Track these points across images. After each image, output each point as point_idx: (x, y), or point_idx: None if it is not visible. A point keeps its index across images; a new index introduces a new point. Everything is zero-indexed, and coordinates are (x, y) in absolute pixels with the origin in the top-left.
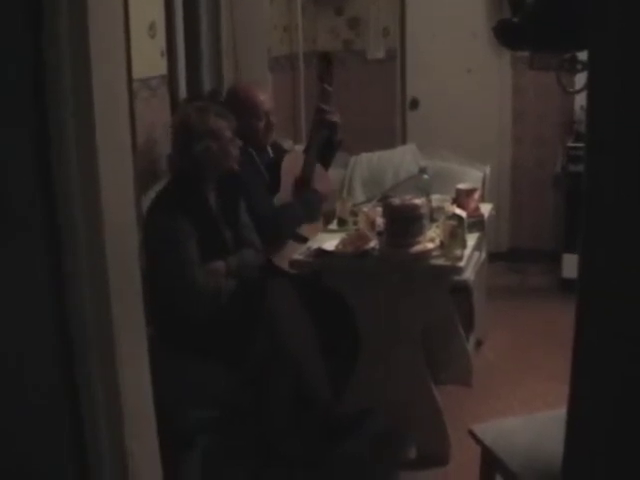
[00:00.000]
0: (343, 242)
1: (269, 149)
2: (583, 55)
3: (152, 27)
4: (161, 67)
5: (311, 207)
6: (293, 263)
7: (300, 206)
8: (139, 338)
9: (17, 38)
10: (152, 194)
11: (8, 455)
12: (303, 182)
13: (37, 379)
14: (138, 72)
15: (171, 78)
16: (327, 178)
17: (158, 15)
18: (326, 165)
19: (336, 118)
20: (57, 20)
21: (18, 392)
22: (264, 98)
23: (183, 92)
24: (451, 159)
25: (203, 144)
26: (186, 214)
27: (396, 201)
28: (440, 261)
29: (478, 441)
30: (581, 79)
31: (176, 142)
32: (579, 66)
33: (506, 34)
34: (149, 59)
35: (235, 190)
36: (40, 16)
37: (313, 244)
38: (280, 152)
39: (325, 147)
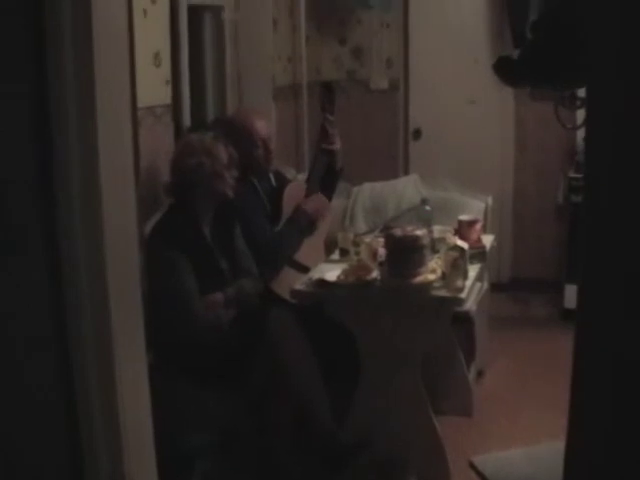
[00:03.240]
0: (345, 272)
1: (271, 178)
2: (582, 92)
3: (157, 56)
4: (166, 96)
5: (299, 227)
6: (295, 293)
7: (292, 229)
8: (139, 362)
9: (21, 68)
10: (153, 221)
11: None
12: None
13: (35, 402)
14: (143, 100)
15: (175, 106)
16: (327, 206)
17: (163, 45)
18: (329, 194)
19: (337, 146)
20: (62, 49)
21: (17, 415)
22: (261, 125)
23: (187, 120)
24: (453, 189)
25: (196, 159)
26: (182, 245)
27: (398, 232)
28: (442, 292)
29: (478, 473)
30: (581, 114)
31: (172, 163)
32: (578, 102)
33: (506, 71)
34: (154, 88)
35: (230, 219)
36: (44, 46)
37: (315, 274)
38: (282, 181)
39: (326, 175)
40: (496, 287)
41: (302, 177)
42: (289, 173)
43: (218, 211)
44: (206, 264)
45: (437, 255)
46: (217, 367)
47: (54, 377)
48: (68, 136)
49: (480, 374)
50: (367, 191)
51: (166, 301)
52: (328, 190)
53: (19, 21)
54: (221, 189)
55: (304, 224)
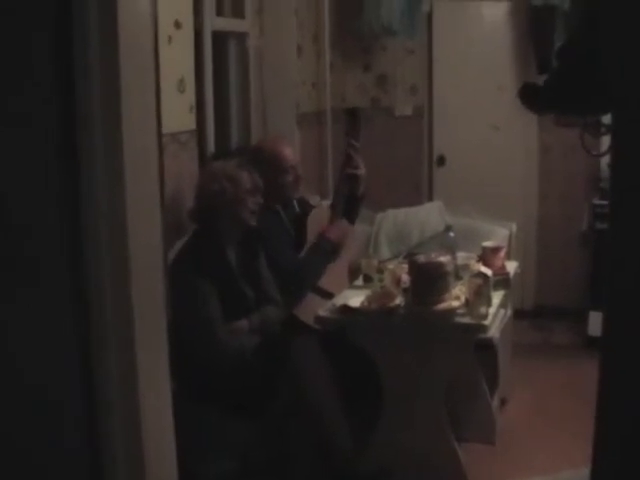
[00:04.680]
0: (368, 299)
1: (295, 204)
2: (607, 118)
3: (182, 82)
4: (190, 122)
5: (323, 254)
6: (318, 319)
7: (314, 255)
8: (164, 391)
9: (49, 95)
10: (178, 247)
11: None
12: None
13: (60, 430)
14: (168, 127)
15: (200, 133)
16: (352, 232)
17: (188, 71)
18: (352, 220)
19: (361, 171)
20: (89, 76)
21: (40, 446)
22: (289, 152)
23: (211, 147)
24: (477, 216)
25: (218, 184)
26: (206, 272)
27: (422, 258)
28: (465, 319)
29: None
30: (606, 140)
31: (197, 189)
32: (603, 129)
33: (530, 98)
34: (178, 114)
35: (255, 246)
36: (72, 74)
37: (338, 300)
38: (307, 207)
39: (350, 202)
40: (520, 314)
41: (326, 203)
42: (313, 200)
43: (243, 238)
44: (230, 291)
45: (461, 282)
46: (240, 394)
47: (77, 403)
48: (95, 164)
49: (503, 402)
50: (391, 218)
51: (190, 327)
52: (351, 216)
53: (49, 51)
54: (243, 215)
55: (327, 251)
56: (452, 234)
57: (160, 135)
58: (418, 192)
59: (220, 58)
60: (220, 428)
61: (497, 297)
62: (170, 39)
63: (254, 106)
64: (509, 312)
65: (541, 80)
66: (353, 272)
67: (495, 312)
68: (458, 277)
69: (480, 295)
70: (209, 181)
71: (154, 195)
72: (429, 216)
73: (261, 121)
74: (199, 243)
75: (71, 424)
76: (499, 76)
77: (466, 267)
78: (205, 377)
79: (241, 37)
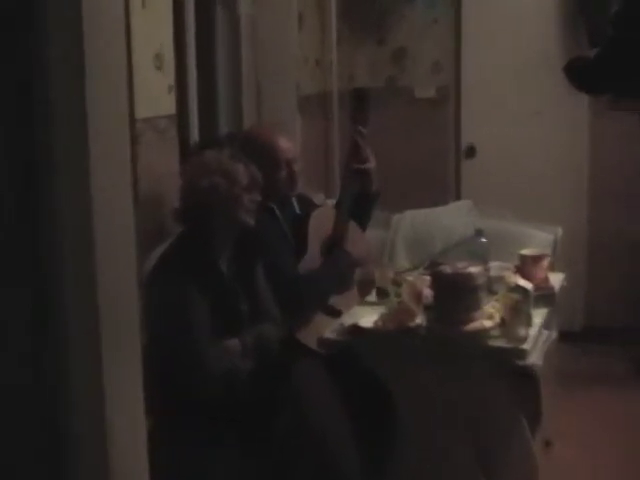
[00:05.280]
0: (383, 318)
1: (294, 203)
2: None
3: (158, 57)
4: (169, 105)
5: (340, 272)
6: (323, 342)
7: (327, 272)
8: (137, 423)
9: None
10: (156, 256)
11: None
12: (334, 243)
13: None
14: (142, 111)
15: (181, 118)
16: (363, 239)
17: (166, 42)
18: (363, 223)
19: (371, 164)
20: (45, 52)
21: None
22: (285, 142)
23: (195, 135)
24: (514, 219)
25: (209, 180)
26: (193, 282)
27: (447, 269)
28: (500, 342)
29: None
30: None
31: (182, 184)
32: None
33: (580, 74)
34: (155, 95)
35: (252, 253)
36: (26, 46)
37: (347, 319)
38: (307, 207)
39: (360, 201)
40: (567, 336)
41: (332, 203)
42: (317, 198)
43: (237, 243)
44: (221, 304)
45: (495, 297)
46: (232, 427)
47: (39, 437)
48: (52, 155)
49: (547, 443)
50: (410, 220)
51: (172, 348)
52: (361, 218)
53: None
54: (239, 215)
55: (345, 269)
56: (484, 240)
57: (133, 121)
58: (442, 189)
59: (205, 28)
60: (211, 468)
61: (539, 316)
62: (144, 3)
63: (246, 87)
64: (554, 334)
65: (593, 53)
66: (364, 285)
67: (536, 334)
68: (491, 292)
69: (518, 313)
70: (198, 175)
71: (125, 193)
72: (456, 218)
73: (255, 105)
74: (185, 248)
75: (31, 459)
76: (542, 49)
77: (501, 280)
78: (190, 406)
79: (231, 3)
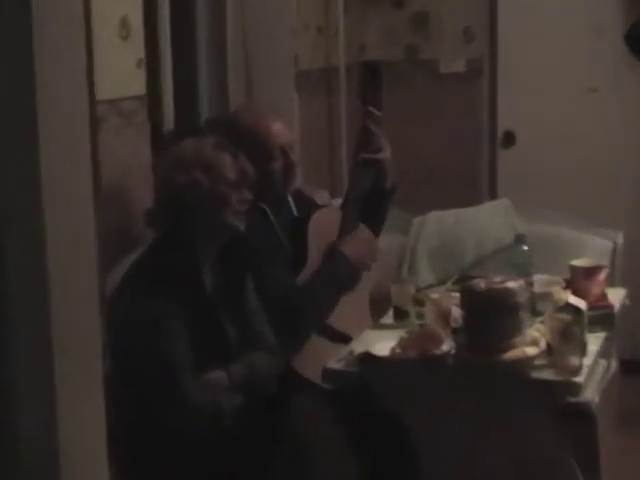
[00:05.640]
0: (402, 344)
1: (291, 203)
2: None
3: (124, 24)
4: (138, 83)
5: (339, 281)
6: (327, 374)
7: (325, 281)
8: (99, 469)
9: None
10: (123, 267)
11: None
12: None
13: None
14: (105, 90)
15: (153, 99)
16: (373, 245)
17: (133, 6)
18: (375, 227)
19: (385, 154)
20: None
21: None
22: (281, 129)
23: (170, 120)
24: (563, 222)
25: (188, 175)
26: (170, 300)
27: (481, 284)
28: (547, 374)
29: None
30: None
31: (156, 180)
32: None
33: None
34: (120, 71)
35: (240, 265)
36: None
37: (358, 346)
38: (307, 207)
39: (372, 199)
40: (630, 367)
41: (338, 203)
42: (319, 197)
43: (223, 252)
44: (205, 328)
45: (539, 319)
46: (218, 476)
47: None
48: None
49: None
50: (434, 224)
51: (143, 380)
52: (374, 220)
53: None
54: (225, 219)
55: (343, 275)
56: (526, 248)
57: (93, 103)
58: (475, 186)
59: None
60: None
61: (595, 342)
62: None
63: (233, 61)
64: (613, 364)
65: None
66: (379, 304)
67: (592, 364)
68: (535, 312)
69: (569, 338)
70: (174, 170)
71: (85, 191)
72: (491, 221)
73: (243, 83)
74: (159, 258)
75: None
76: (597, 14)
77: (547, 297)
78: (166, 454)
79: None
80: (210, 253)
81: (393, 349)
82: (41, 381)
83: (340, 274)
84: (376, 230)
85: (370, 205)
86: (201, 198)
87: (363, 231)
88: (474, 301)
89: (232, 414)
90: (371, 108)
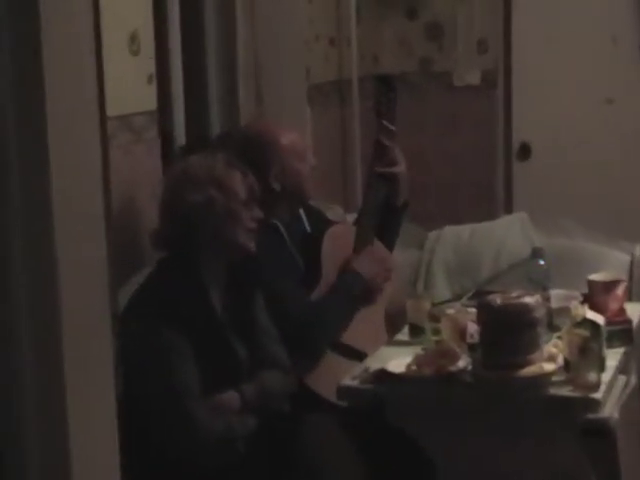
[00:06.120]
0: (418, 360)
1: (303, 218)
2: None
3: (135, 39)
4: (149, 99)
5: (350, 296)
6: (342, 392)
7: (339, 298)
8: None
9: None
10: (132, 287)
11: None
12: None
13: None
14: (115, 106)
15: (163, 115)
16: (388, 261)
17: (143, 21)
18: (389, 242)
19: (399, 169)
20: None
21: None
22: (292, 139)
23: (181, 136)
24: (580, 235)
25: (201, 193)
26: (178, 321)
27: (497, 300)
28: (564, 390)
29: None
30: None
31: (165, 198)
32: None
33: None
34: (131, 87)
35: (250, 283)
36: None
37: (373, 363)
38: (320, 223)
39: (385, 214)
40: None
41: (352, 219)
42: (332, 212)
43: (232, 271)
44: (214, 349)
45: (557, 334)
46: None
47: None
48: (5, 162)
49: None
50: (450, 238)
51: (153, 403)
52: (387, 236)
53: None
54: (238, 238)
55: (355, 291)
56: (543, 262)
57: (104, 119)
58: (490, 199)
59: (192, 1)
60: None
61: (614, 357)
62: None
63: (243, 75)
64: (633, 380)
65: None
66: (394, 320)
67: (611, 380)
68: (553, 327)
69: (587, 354)
70: (186, 187)
71: (96, 209)
72: (507, 235)
73: (254, 97)
74: (168, 279)
75: None
76: (613, 23)
77: (565, 312)
78: (176, 476)
79: None
80: (218, 273)
81: (409, 366)
82: (53, 402)
83: (354, 292)
84: (389, 246)
85: (383, 221)
86: (215, 216)
87: (378, 248)
88: (490, 317)
89: (245, 435)
90: (385, 122)
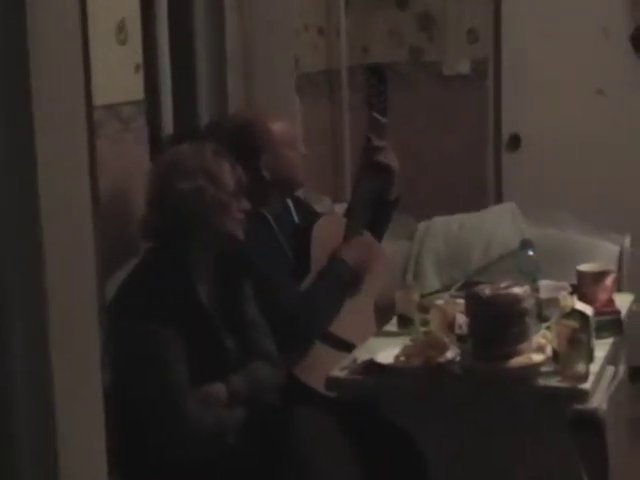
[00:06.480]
0: (407, 351)
1: (292, 210)
2: None
3: (122, 28)
4: (136, 88)
5: (338, 285)
6: (331, 383)
7: (326, 287)
8: None
9: None
10: (122, 276)
11: None
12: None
13: None
14: (102, 95)
15: (151, 104)
16: (381, 254)
17: (131, 9)
18: (379, 233)
19: (390, 161)
20: None
21: None
22: (281, 127)
23: (169, 125)
24: (570, 225)
25: (190, 183)
26: (166, 312)
27: (486, 290)
28: (553, 381)
29: None
30: None
31: (153, 188)
32: None
33: None
34: (118, 76)
35: (239, 274)
36: None
37: (361, 354)
38: (309, 215)
39: (376, 207)
40: (637, 373)
41: (341, 210)
42: (321, 205)
43: (220, 262)
44: (202, 341)
45: (546, 325)
46: None
47: None
48: None
49: None
50: (440, 229)
51: (143, 397)
52: (378, 228)
53: None
54: (227, 229)
55: (344, 280)
56: (532, 253)
57: (91, 108)
58: (480, 190)
59: None
60: None
61: (602, 348)
62: None
63: (232, 64)
64: (621, 371)
65: None
66: (383, 311)
67: (599, 371)
68: (542, 318)
69: (576, 345)
70: (174, 177)
71: (83, 199)
72: (497, 226)
73: (242, 87)
74: (155, 270)
75: None
76: (604, 15)
77: (554, 303)
78: (167, 470)
79: None
80: (207, 263)
81: (397, 357)
82: (40, 393)
83: (341, 280)
84: (379, 237)
85: (374, 215)
86: (205, 206)
87: (365, 237)
88: (479, 307)
89: (234, 428)
90: (375, 114)
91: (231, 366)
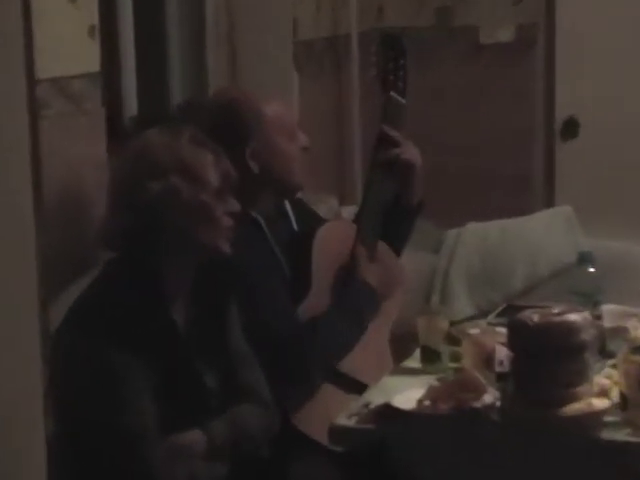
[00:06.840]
0: (432, 393)
1: (290, 213)
2: None
3: None
4: (90, 57)
5: (360, 316)
6: (337, 432)
7: (341, 317)
8: None
9: None
10: (71, 297)
11: None
12: (350, 274)
13: None
14: (47, 67)
15: (109, 78)
16: (399, 268)
17: None
18: (397, 245)
19: (410, 156)
20: None
21: None
22: (276, 109)
23: (132, 106)
24: (638, 236)
25: (162, 181)
26: (131, 339)
27: (534, 317)
28: (620, 434)
29: None
30: None
31: (115, 186)
32: None
33: None
34: (67, 43)
35: (222, 292)
36: None
37: (375, 396)
38: (310, 219)
39: (394, 212)
40: None
41: (350, 212)
42: (327, 209)
43: (200, 276)
44: (174, 374)
45: (610, 362)
46: None
47: None
48: None
49: None
50: (474, 239)
51: (98, 442)
52: (397, 239)
53: None
54: (210, 237)
55: (368, 312)
56: (592, 269)
57: (32, 82)
58: (526, 189)
59: None
60: None
61: None
62: None
63: (212, 30)
64: None
65: None
66: (401, 342)
67: None
68: (605, 353)
69: None
70: (143, 173)
71: (23, 197)
72: (547, 235)
73: (225, 58)
74: (117, 285)
75: None
76: None
77: (620, 333)
78: None
79: None
80: (183, 278)
81: (420, 401)
82: None
83: (363, 311)
84: (398, 247)
85: (391, 222)
86: (179, 210)
87: (382, 249)
88: (525, 339)
89: None
90: (393, 94)
91: (211, 408)
